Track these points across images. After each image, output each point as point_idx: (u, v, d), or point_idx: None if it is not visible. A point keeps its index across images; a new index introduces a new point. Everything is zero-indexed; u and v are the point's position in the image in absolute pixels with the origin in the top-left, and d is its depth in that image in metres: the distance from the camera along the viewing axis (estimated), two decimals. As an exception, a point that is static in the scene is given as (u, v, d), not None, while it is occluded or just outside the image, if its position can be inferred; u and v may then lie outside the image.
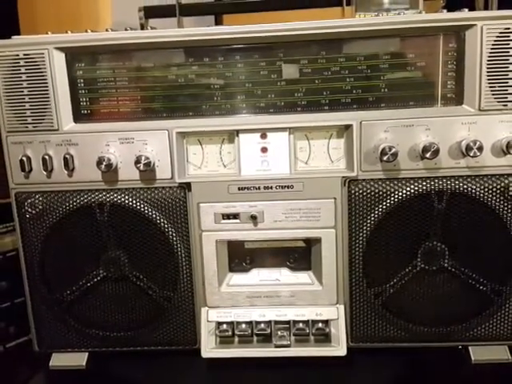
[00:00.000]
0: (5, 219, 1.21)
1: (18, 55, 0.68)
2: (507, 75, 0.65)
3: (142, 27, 0.91)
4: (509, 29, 0.64)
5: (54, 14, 1.17)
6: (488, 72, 0.65)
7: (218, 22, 1.14)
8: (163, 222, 0.71)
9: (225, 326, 0.72)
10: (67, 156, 0.70)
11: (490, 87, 0.66)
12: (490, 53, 0.65)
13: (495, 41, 0.65)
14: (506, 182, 0.68)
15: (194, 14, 0.91)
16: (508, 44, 0.64)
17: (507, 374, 0.71)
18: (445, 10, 0.68)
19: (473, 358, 0.73)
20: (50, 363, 0.77)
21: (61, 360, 0.77)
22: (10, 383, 0.76)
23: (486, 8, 0.87)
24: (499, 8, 0.90)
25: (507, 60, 0.65)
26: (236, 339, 0.73)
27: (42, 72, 0.69)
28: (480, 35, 0.65)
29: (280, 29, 0.66)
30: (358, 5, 0.77)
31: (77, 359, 0.76)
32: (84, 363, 0.76)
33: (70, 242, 0.73)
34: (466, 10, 0.68)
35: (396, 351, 0.73)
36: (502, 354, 0.73)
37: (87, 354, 0.77)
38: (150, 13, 0.93)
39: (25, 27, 1.26)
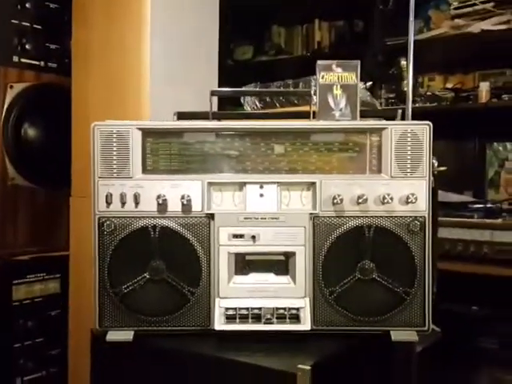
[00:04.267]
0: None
1: (112, 131, 1.11)
2: (406, 157, 1.11)
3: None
4: (406, 130, 1.11)
5: (104, 105, 1.63)
6: (395, 155, 1.11)
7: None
8: (193, 240, 1.10)
9: (230, 310, 1.09)
10: (136, 194, 1.10)
11: (397, 164, 1.11)
12: (396, 143, 1.11)
13: (399, 137, 1.11)
14: (408, 221, 1.11)
15: (215, 118, 1.35)
16: (406, 139, 1.11)
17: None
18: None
19: (393, 338, 1.10)
20: (107, 337, 1.10)
21: (114, 335, 1.10)
22: None
23: (403, 118, 1.36)
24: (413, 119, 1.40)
25: (405, 148, 1.10)
26: (237, 319, 1.09)
27: (125, 141, 1.11)
28: (390, 134, 1.11)
29: (275, 126, 1.12)
30: (319, 117, 1.24)
31: (126, 335, 1.10)
32: (131, 338, 1.10)
33: (130, 252, 1.11)
34: (383, 120, 1.16)
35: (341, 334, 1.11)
36: (413, 335, 1.11)
37: (133, 332, 1.11)
38: (181, 116, 1.38)
39: (77, 113, 1.71)
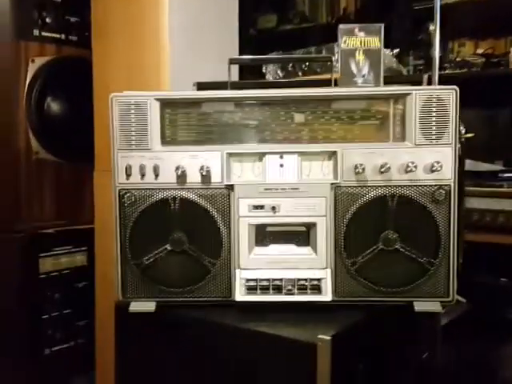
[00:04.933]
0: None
1: (130, 101, 1.10)
2: (431, 123, 1.07)
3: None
4: (431, 95, 1.07)
5: (125, 78, 1.63)
6: (419, 121, 1.07)
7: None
8: (214, 211, 1.10)
9: (251, 281, 1.09)
10: (155, 166, 1.10)
11: (421, 130, 1.07)
12: (420, 110, 1.07)
13: (423, 103, 1.07)
14: (433, 189, 1.07)
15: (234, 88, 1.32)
16: (431, 105, 1.07)
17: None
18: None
19: (416, 309, 1.09)
20: (130, 308, 1.11)
21: (136, 306, 1.11)
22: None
23: (429, 81, 1.32)
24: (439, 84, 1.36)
25: (430, 114, 1.07)
26: (258, 290, 1.08)
27: (144, 112, 1.10)
28: (415, 99, 1.07)
29: (294, 93, 1.09)
30: (341, 84, 1.21)
31: (148, 306, 1.11)
32: (153, 308, 1.11)
33: (150, 224, 1.11)
34: (407, 85, 1.12)
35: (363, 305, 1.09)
36: (437, 306, 1.09)
37: (155, 302, 1.11)
38: (201, 87, 1.37)
39: (98, 86, 1.71)
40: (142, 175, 1.10)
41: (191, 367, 1.10)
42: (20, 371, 1.66)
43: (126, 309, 1.11)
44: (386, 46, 1.91)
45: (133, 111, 1.10)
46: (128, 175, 1.11)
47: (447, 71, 2.72)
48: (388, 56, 1.81)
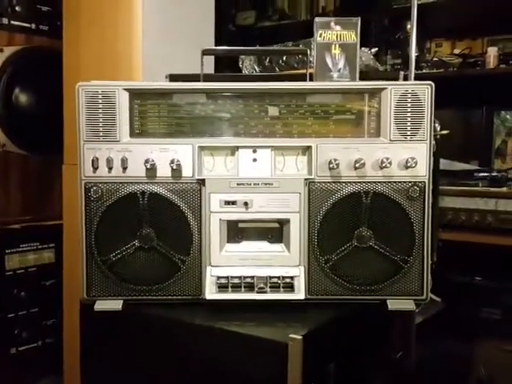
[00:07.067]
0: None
1: (97, 91, 1.06)
2: (406, 119, 1.05)
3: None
4: (407, 91, 1.05)
5: (95, 68, 1.58)
6: (394, 117, 1.05)
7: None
8: (184, 207, 1.06)
9: (222, 279, 1.05)
10: (123, 158, 1.06)
11: (396, 126, 1.05)
12: (396, 105, 1.05)
13: (399, 98, 1.05)
14: (407, 186, 1.06)
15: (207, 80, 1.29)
16: (406, 100, 1.05)
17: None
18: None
19: (389, 307, 1.07)
20: (95, 306, 1.07)
21: (102, 305, 1.07)
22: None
23: (405, 79, 1.31)
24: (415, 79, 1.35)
25: (405, 109, 1.05)
26: (229, 288, 1.05)
27: (112, 103, 1.06)
28: (390, 94, 1.05)
29: (267, 86, 1.07)
30: (316, 78, 1.19)
31: (115, 304, 1.07)
32: (120, 307, 1.07)
33: (118, 219, 1.07)
34: (383, 81, 1.10)
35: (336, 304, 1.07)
36: (410, 305, 1.07)
37: (122, 301, 1.07)
38: (173, 78, 1.33)
39: (68, 76, 1.66)
40: (110, 168, 1.06)
41: (160, 367, 1.06)
42: (-16, 371, 1.60)
43: (91, 307, 1.07)
44: (364, 45, 1.90)
45: (100, 101, 1.06)
46: (95, 168, 1.06)
47: (424, 71, 2.72)
48: (366, 54, 1.79)
